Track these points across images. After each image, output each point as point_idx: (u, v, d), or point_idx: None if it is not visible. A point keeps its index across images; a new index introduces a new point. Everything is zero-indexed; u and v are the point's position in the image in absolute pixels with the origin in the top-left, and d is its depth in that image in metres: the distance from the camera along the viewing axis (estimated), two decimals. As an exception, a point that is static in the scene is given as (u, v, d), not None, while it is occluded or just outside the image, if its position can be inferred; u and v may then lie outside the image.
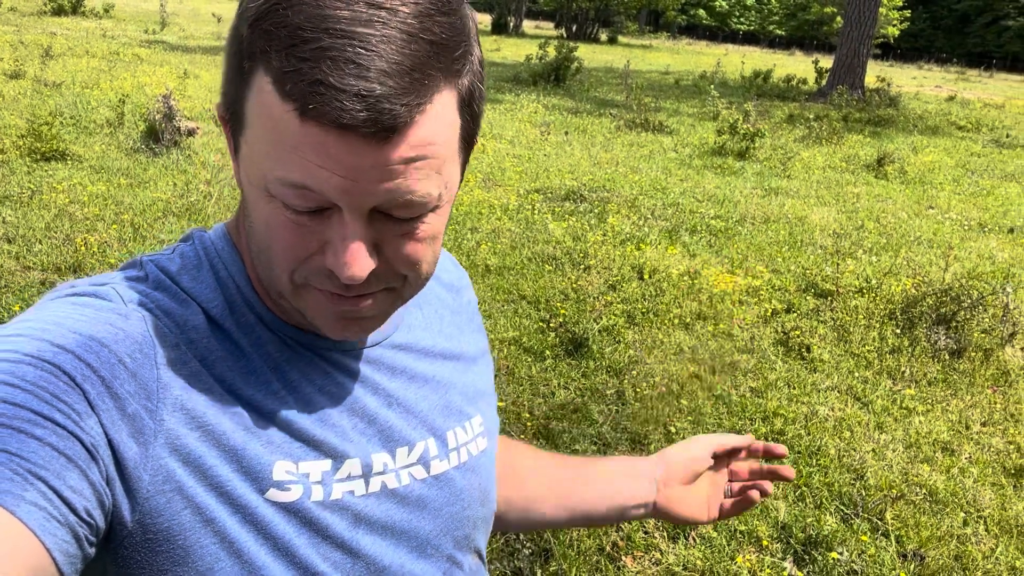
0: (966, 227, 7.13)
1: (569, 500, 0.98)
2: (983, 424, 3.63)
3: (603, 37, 37.74)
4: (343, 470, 0.67)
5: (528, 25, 45.49)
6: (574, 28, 37.06)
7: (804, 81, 19.89)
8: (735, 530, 2.71)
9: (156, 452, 0.57)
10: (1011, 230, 7.08)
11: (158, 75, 11.06)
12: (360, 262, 0.57)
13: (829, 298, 4.90)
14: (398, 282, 0.63)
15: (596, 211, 6.41)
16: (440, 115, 0.55)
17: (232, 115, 0.59)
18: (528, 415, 3.27)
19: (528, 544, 2.53)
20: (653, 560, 2.55)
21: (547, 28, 47.05)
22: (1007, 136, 13.31)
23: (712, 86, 15.37)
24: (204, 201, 5.53)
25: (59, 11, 19.13)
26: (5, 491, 0.48)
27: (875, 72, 22.90)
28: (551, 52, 15.66)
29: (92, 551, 0.54)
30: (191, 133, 7.14)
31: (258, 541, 0.62)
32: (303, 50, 0.51)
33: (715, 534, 2.68)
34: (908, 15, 49.80)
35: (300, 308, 0.63)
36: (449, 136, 0.57)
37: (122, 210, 5.19)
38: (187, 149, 6.92)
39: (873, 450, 3.30)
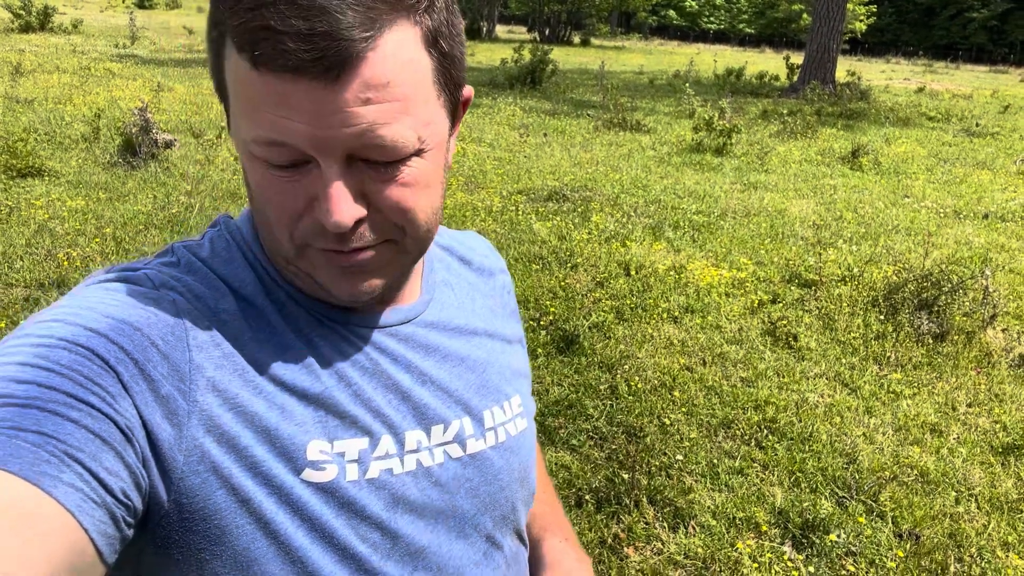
0: (942, 214, 7.25)
1: None
2: (969, 405, 3.69)
3: (576, 40, 37.90)
4: (380, 448, 0.66)
5: (501, 29, 45.59)
6: (547, 31, 37.19)
7: (776, 77, 20.12)
8: (734, 517, 2.73)
9: (190, 433, 0.58)
10: (986, 216, 7.21)
11: (131, 89, 10.96)
12: (342, 209, 0.57)
13: (813, 287, 4.96)
14: (396, 234, 0.62)
15: (579, 210, 6.44)
16: (396, 53, 0.55)
17: (220, 92, 0.60)
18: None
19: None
20: (655, 550, 2.57)
21: (520, 32, 47.17)
22: (976, 125, 13.55)
23: (687, 84, 15.51)
24: (186, 213, 5.49)
25: (27, 28, 18.87)
26: (43, 473, 0.48)
27: (845, 67, 23.21)
28: (526, 55, 15.70)
29: (130, 532, 0.54)
30: (168, 145, 7.09)
31: (295, 522, 0.61)
32: (250, 1, 0.52)
33: (714, 522, 2.70)
34: (875, 10, 50.52)
35: (307, 271, 0.64)
36: (413, 75, 0.57)
37: (103, 224, 5.14)
38: (165, 161, 6.86)
39: (864, 434, 3.35)
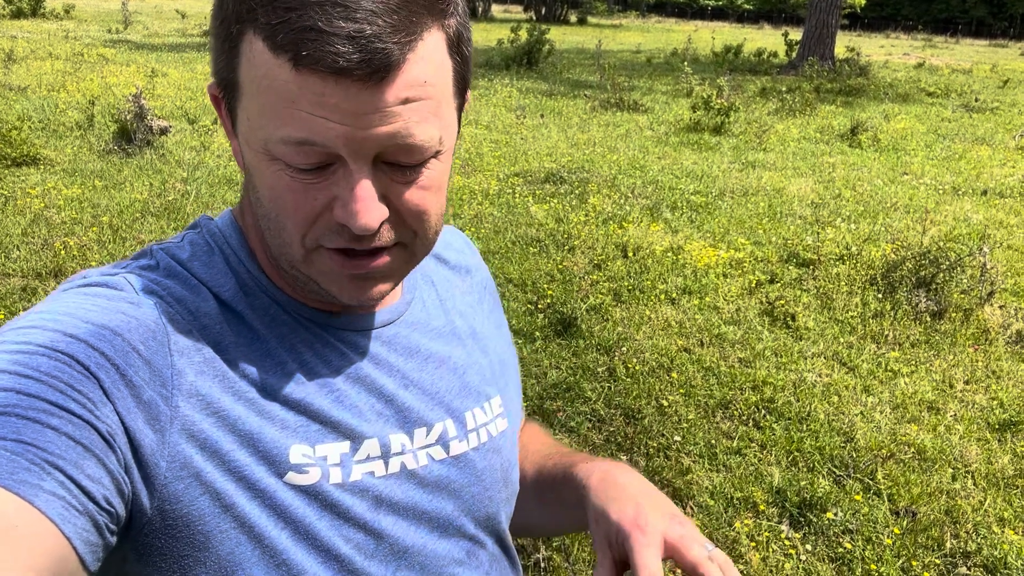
0: (941, 191, 7.23)
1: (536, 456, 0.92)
2: (966, 382, 3.70)
3: (573, 18, 37.59)
4: (362, 451, 0.67)
5: (497, 9, 45.21)
6: (543, 10, 36.87)
7: (775, 54, 19.96)
8: (732, 497, 2.75)
9: (173, 439, 0.57)
10: (984, 192, 7.19)
11: (125, 75, 10.89)
12: (370, 210, 0.57)
13: (811, 267, 4.96)
14: (408, 237, 0.63)
15: (577, 192, 6.43)
16: (431, 55, 0.56)
17: (226, 88, 0.59)
18: (522, 396, 3.29)
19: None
20: (653, 531, 2.59)
21: (516, 12, 46.76)
22: (976, 100, 13.47)
23: (684, 63, 15.40)
24: (182, 200, 5.47)
25: (18, 14, 18.73)
26: (23, 481, 0.47)
27: (844, 42, 23.01)
28: (522, 36, 15.59)
29: (113, 539, 0.54)
30: (164, 132, 7.05)
31: (278, 525, 0.62)
32: (288, 1, 0.52)
33: (712, 502, 2.72)
34: (874, -16, 50.04)
35: (312, 276, 0.63)
36: (442, 77, 0.58)
37: (99, 212, 5.13)
38: (160, 148, 6.83)
39: (861, 413, 3.37)
